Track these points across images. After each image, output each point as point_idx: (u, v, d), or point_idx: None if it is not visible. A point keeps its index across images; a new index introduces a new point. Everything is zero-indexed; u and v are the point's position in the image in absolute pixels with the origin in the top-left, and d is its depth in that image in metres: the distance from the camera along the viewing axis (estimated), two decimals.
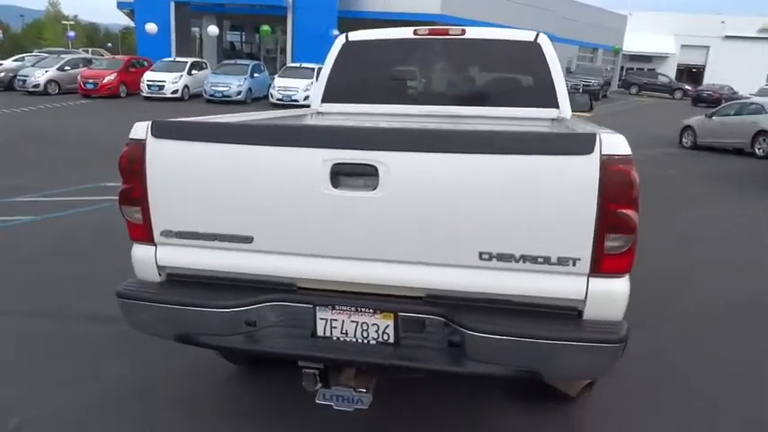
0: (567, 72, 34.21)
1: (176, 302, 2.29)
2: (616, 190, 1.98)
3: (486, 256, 2.11)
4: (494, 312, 2.14)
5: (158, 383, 3.32)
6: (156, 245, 2.39)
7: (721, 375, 3.57)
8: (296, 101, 21.24)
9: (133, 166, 2.32)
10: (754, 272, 5.70)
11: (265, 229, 2.27)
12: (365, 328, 2.26)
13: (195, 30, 34.42)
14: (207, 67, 24.76)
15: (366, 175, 2.12)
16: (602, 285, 2.08)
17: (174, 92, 22.07)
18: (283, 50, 31.49)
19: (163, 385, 3.30)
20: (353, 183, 2.14)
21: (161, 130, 2.29)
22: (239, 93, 21.81)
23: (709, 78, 50.42)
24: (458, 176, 2.07)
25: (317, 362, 2.34)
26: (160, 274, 2.42)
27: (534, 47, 4.08)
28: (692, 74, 51.19)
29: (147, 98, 21.74)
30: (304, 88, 21.44)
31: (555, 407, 3.01)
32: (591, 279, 2.08)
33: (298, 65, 23.21)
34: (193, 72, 23.26)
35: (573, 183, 2.01)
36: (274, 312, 2.29)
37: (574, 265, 2.06)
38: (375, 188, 2.11)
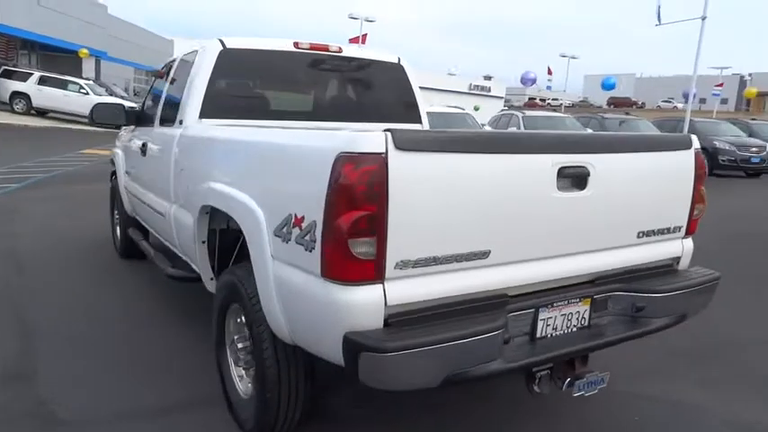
0: (135, 94, 33.17)
1: (451, 338, 1.97)
2: (701, 173, 2.79)
3: (642, 234, 2.64)
4: (649, 277, 2.66)
5: None
6: (384, 282, 1.97)
7: None
8: None
9: (374, 188, 1.88)
10: None
11: (501, 239, 2.20)
12: (569, 317, 2.45)
13: None
14: None
15: (577, 177, 2.34)
16: (687, 243, 2.88)
17: None
18: None
19: None
20: (567, 184, 2.33)
21: (406, 142, 1.93)
22: None
23: None
24: (634, 171, 2.54)
25: (549, 362, 2.37)
26: (385, 318, 1.99)
27: (398, 68, 4.51)
28: None
29: None
30: None
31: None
32: (684, 240, 2.85)
33: None
34: None
35: (682, 170, 2.74)
36: (515, 324, 2.23)
37: (678, 231, 2.79)
38: (584, 187, 2.36)
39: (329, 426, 2.97)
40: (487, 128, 17.14)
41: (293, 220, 2.13)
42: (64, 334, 3.95)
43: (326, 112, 4.33)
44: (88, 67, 33.45)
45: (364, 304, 1.96)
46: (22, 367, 3.49)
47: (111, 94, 25.01)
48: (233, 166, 2.76)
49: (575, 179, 2.33)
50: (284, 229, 2.20)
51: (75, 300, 4.62)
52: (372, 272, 1.95)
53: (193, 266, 3.59)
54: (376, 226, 1.91)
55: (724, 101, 60.08)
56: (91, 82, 25.71)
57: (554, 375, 2.46)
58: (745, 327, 4.63)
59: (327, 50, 4.20)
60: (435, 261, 2.05)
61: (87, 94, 23.64)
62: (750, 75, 72.29)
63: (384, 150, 1.90)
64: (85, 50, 30.51)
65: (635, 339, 2.57)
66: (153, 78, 5.03)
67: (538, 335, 2.36)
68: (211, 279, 3.27)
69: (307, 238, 2.05)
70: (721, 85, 45.53)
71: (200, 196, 3.01)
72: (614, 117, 19.47)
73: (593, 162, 2.36)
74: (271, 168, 2.40)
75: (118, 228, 5.92)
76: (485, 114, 17.24)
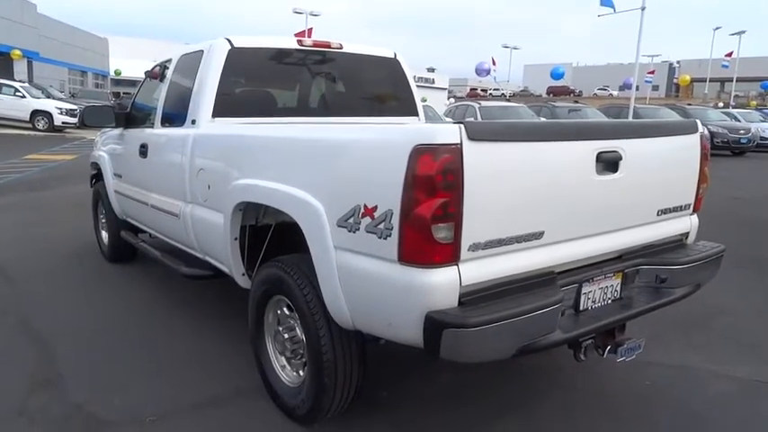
0: (72, 96, 31.85)
1: (524, 312, 2.14)
2: (705, 155, 3.06)
3: (661, 212, 2.89)
4: (664, 252, 2.91)
5: None
6: (458, 264, 2.12)
7: None
8: None
9: (451, 176, 2.03)
10: None
11: (552, 220, 2.38)
12: (605, 290, 2.67)
13: None
14: None
15: (611, 161, 2.55)
16: (694, 220, 3.16)
17: None
18: None
19: None
20: (603, 168, 2.53)
21: (477, 133, 2.08)
22: None
23: None
24: (655, 154, 2.78)
25: (595, 332, 2.58)
26: (459, 297, 2.14)
27: (395, 62, 4.64)
28: None
29: None
30: None
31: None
32: (691, 217, 3.11)
33: None
34: None
35: (691, 151, 3.00)
36: (567, 297, 2.43)
37: (687, 208, 3.05)
38: (617, 171, 2.57)
39: (369, 408, 3.09)
40: (447, 119, 17.51)
41: (362, 210, 2.25)
42: (76, 338, 3.91)
43: (332, 107, 4.42)
44: (20, 68, 31.94)
45: (443, 285, 2.10)
46: (47, 373, 3.45)
47: (48, 97, 23.93)
48: (280, 162, 2.82)
49: (608, 163, 2.54)
50: (350, 220, 2.31)
51: (75, 305, 4.56)
52: (450, 255, 2.09)
53: (215, 263, 3.63)
54: (453, 211, 2.06)
55: (655, 87, 62.94)
56: (26, 84, 24.56)
57: (595, 344, 2.68)
58: (728, 296, 5.03)
59: (329, 47, 4.29)
60: (500, 243, 2.22)
61: (24, 97, 22.58)
62: (678, 62, 75.96)
63: (459, 141, 2.05)
64: (18, 52, 29.24)
65: (660, 308, 2.81)
66: (144, 78, 4.97)
67: (581, 307, 2.57)
68: (243, 275, 3.32)
69: (380, 226, 2.17)
70: (653, 72, 47.69)
71: (235, 194, 3.07)
72: (564, 105, 20.23)
73: (624, 147, 2.58)
74: (331, 163, 2.49)
75: (104, 232, 5.81)
76: (432, 105, 17.68)
